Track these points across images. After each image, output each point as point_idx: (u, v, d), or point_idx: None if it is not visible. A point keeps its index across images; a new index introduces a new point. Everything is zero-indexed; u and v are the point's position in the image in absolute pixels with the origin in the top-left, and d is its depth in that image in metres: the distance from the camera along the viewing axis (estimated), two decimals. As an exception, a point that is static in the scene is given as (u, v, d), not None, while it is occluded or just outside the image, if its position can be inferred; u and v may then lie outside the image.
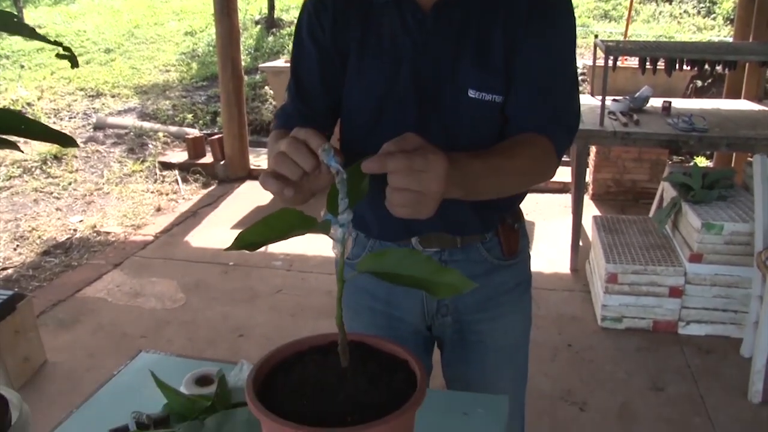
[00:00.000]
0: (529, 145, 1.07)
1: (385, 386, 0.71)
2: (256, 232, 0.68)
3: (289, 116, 1.17)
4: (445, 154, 0.81)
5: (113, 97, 6.88)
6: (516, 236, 1.27)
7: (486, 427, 1.01)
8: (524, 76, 1.09)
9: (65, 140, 0.70)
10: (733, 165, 4.55)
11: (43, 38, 0.67)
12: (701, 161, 5.26)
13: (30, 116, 0.72)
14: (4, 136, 0.66)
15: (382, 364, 0.75)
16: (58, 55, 0.70)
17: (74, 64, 0.71)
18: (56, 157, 5.52)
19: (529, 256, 1.36)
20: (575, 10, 1.14)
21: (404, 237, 1.22)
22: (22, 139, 0.68)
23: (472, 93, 1.09)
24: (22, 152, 0.77)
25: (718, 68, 3.95)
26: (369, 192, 0.79)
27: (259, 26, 8.51)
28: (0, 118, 0.65)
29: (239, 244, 0.69)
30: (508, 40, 1.08)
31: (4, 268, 3.90)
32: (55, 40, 0.69)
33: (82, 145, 5.81)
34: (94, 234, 4.35)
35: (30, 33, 0.65)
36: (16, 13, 0.65)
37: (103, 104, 6.70)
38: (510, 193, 1.10)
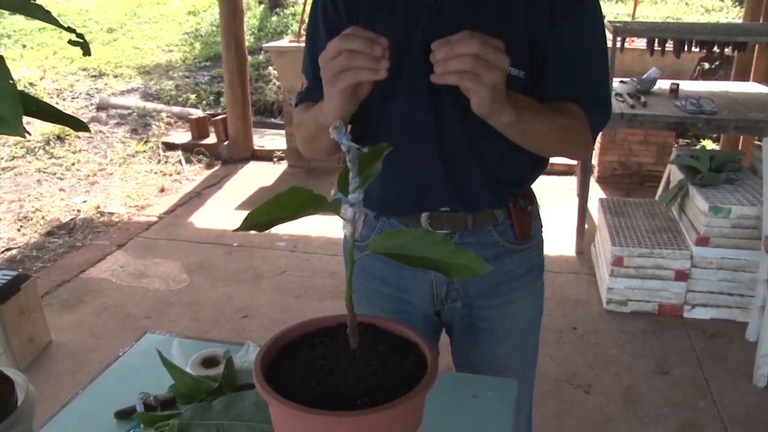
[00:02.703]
0: (568, 109, 1.07)
1: (395, 369, 0.70)
2: (266, 211, 0.67)
3: (311, 96, 1.15)
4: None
5: (116, 77, 6.84)
6: (529, 219, 1.22)
7: (494, 410, 1.00)
8: (558, 53, 1.06)
9: (77, 124, 0.69)
10: (740, 147, 4.51)
11: (57, 23, 0.65)
12: (708, 144, 5.21)
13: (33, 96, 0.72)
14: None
15: (391, 347, 0.74)
16: (71, 42, 0.68)
17: (86, 52, 0.69)
18: (59, 138, 5.50)
19: (542, 240, 1.31)
20: None
21: (414, 211, 1.18)
22: (26, 121, 0.67)
23: None
24: (30, 134, 0.75)
25: (728, 50, 3.91)
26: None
27: (262, 6, 8.43)
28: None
29: (249, 224, 0.67)
30: (532, 11, 1.04)
31: (8, 249, 3.90)
32: (68, 27, 0.67)
33: (84, 125, 5.80)
34: (98, 215, 4.35)
35: (45, 17, 0.64)
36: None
37: (106, 84, 6.66)
38: (551, 146, 1.09)
